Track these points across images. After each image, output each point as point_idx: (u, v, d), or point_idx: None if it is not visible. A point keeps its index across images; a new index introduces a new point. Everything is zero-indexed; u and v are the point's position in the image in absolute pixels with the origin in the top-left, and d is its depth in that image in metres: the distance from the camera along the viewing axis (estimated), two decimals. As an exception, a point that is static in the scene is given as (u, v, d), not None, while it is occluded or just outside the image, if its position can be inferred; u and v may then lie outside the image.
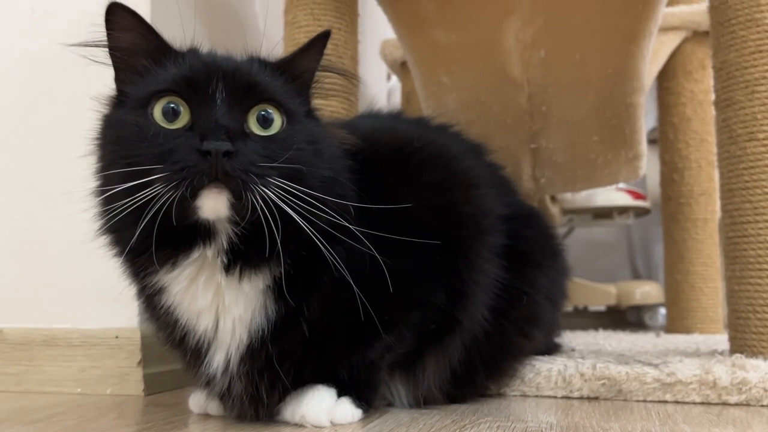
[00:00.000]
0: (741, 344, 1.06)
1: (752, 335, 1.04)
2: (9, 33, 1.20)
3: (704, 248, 1.87)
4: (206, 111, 0.68)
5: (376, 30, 2.14)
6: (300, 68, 0.79)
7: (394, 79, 2.43)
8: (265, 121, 0.71)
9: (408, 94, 2.04)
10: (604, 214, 2.94)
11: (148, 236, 0.67)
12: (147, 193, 0.64)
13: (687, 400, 0.94)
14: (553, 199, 2.56)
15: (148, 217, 0.65)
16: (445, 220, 0.84)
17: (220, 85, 0.69)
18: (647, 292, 2.72)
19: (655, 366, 0.99)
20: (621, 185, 2.83)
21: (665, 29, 1.83)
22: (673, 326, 1.92)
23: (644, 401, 0.95)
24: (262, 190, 0.66)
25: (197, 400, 0.88)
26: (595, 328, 2.05)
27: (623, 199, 2.84)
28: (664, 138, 1.93)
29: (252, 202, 0.66)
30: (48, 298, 1.13)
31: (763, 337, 1.03)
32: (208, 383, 0.79)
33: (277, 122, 0.72)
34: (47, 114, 1.16)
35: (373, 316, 0.76)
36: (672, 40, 1.84)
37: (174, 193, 0.64)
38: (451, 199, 0.86)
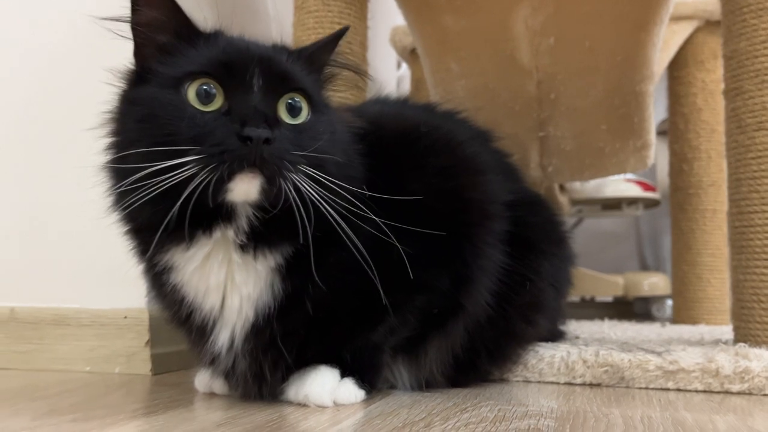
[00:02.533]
0: (745, 334, 1.07)
1: (756, 325, 1.04)
2: (21, 15, 1.21)
3: (712, 239, 1.86)
4: (243, 96, 0.69)
5: (387, 17, 2.14)
6: (319, 60, 0.81)
7: (404, 66, 2.43)
8: (292, 110, 0.73)
9: (417, 82, 2.03)
10: (613, 205, 2.93)
11: (168, 215, 0.67)
12: (179, 173, 0.65)
13: (689, 388, 0.94)
14: (562, 188, 2.56)
15: (177, 197, 0.66)
16: (450, 205, 0.84)
17: (257, 72, 0.70)
18: (655, 283, 2.72)
19: (658, 354, 0.99)
20: (630, 176, 2.83)
21: (677, 18, 1.82)
22: (679, 317, 1.91)
23: (646, 388, 0.96)
24: (294, 177, 0.68)
25: (202, 379, 0.89)
26: (602, 318, 2.05)
27: (633, 191, 2.83)
28: (674, 128, 1.92)
29: (284, 189, 0.68)
30: (59, 278, 1.15)
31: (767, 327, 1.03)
32: (213, 361, 0.81)
33: (304, 111, 0.74)
34: (60, 99, 1.17)
35: (377, 299, 0.77)
36: (684, 30, 1.82)
37: (211, 176, 0.65)
38: (457, 185, 0.86)
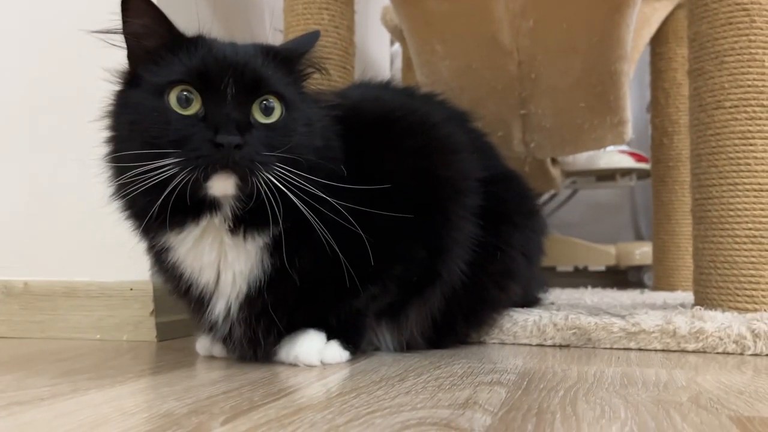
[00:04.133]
0: (703, 298, 1.15)
1: (713, 289, 1.12)
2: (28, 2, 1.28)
3: (690, 210, 1.93)
4: (217, 103, 0.76)
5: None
6: (295, 60, 0.86)
7: (398, 44, 2.48)
8: (266, 110, 0.79)
9: (408, 60, 2.09)
10: (607, 176, 3.00)
11: (159, 206, 0.76)
12: (162, 172, 0.73)
13: (649, 347, 1.03)
14: (554, 161, 2.61)
15: (162, 192, 0.74)
16: (424, 182, 0.92)
17: (231, 81, 0.76)
18: (646, 252, 2.78)
19: (622, 317, 1.08)
20: (624, 148, 2.89)
21: (660, -5, 1.87)
22: (659, 284, 2.00)
23: (611, 348, 1.04)
24: (265, 175, 0.76)
25: (203, 344, 0.98)
26: (593, 287, 2.12)
27: (626, 162, 2.89)
28: (655, 102, 1.99)
29: (256, 185, 0.76)
30: (69, 253, 1.23)
31: (723, 291, 1.11)
32: (212, 328, 0.90)
33: (277, 111, 0.80)
34: (69, 82, 1.24)
35: (359, 269, 0.86)
36: (665, 7, 1.87)
37: (189, 176, 0.74)
38: (431, 163, 0.94)
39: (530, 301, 1.26)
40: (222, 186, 0.76)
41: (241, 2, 1.55)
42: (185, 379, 0.80)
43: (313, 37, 0.89)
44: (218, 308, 0.86)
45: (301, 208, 0.78)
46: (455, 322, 1.02)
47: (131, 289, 1.17)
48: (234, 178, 0.75)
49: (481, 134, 1.15)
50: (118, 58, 0.83)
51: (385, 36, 2.43)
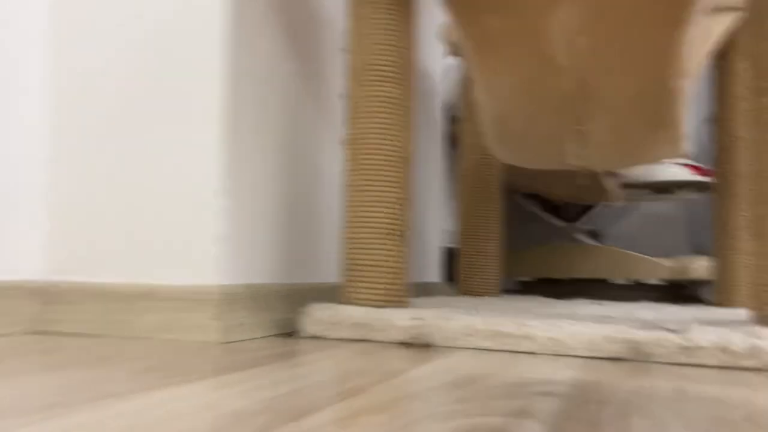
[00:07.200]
0: (762, 315, 1.14)
1: (772, 307, 1.12)
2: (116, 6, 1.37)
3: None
4: None
5: (434, 11, 2.23)
6: None
7: (451, 59, 2.51)
8: None
9: (467, 77, 2.12)
10: (664, 188, 2.96)
11: None
12: None
13: (704, 363, 1.03)
14: (610, 173, 2.60)
15: None
16: None
17: None
18: (703, 267, 2.73)
19: (677, 332, 1.08)
20: (682, 161, 2.84)
21: (722, 9, 1.85)
22: (718, 300, 1.97)
23: (665, 363, 1.05)
24: None
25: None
26: (649, 301, 2.09)
27: (684, 174, 2.85)
28: (715, 116, 1.96)
29: None
30: (143, 258, 1.31)
31: (781, 309, 1.10)
32: None
33: None
34: (153, 89, 1.32)
35: None
36: (725, 22, 1.85)
37: None
38: None
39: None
40: None
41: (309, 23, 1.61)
42: (254, 378, 0.86)
43: None
44: None
45: None
46: None
47: (200, 292, 1.24)
48: None
49: None
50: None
51: (438, 51, 2.47)
